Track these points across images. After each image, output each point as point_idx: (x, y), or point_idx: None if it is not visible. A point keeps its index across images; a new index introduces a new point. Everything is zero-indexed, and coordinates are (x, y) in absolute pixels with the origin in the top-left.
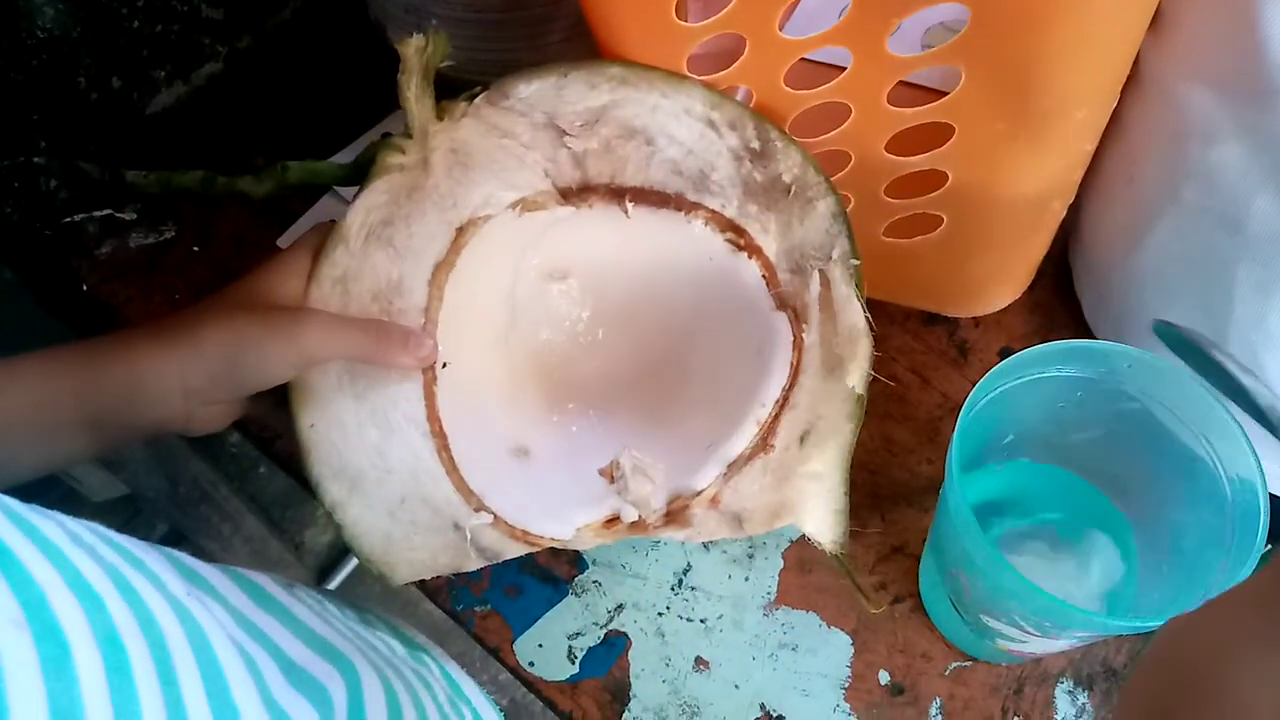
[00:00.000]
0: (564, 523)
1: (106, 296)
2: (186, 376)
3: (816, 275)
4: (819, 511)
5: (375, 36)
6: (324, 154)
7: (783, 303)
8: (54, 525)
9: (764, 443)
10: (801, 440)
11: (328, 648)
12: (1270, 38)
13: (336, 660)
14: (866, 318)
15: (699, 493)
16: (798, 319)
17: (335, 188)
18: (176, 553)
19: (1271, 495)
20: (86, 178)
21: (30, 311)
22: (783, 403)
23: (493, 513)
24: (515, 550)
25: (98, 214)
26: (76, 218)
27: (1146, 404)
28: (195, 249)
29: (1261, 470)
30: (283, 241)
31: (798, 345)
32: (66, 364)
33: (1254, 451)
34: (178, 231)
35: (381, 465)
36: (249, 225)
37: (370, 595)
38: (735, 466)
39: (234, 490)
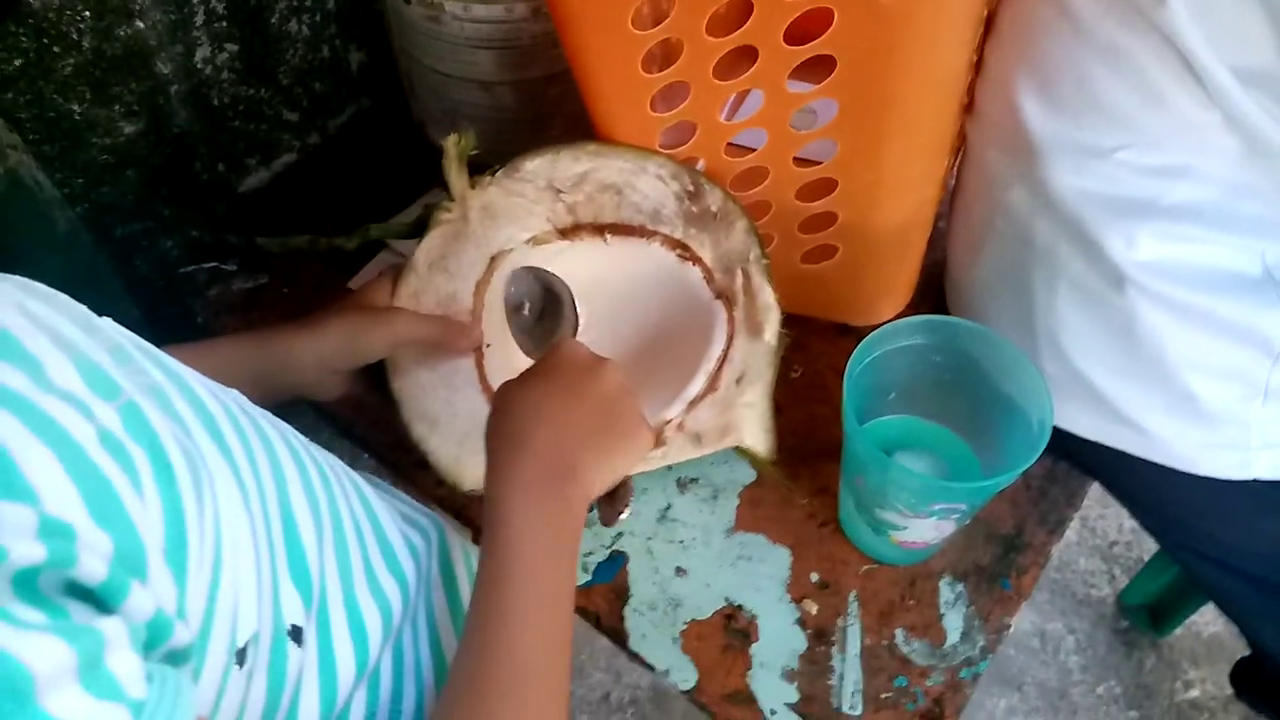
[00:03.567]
0: None
1: (217, 329)
2: (320, 350)
3: (739, 272)
4: (754, 428)
5: (417, 133)
6: (378, 221)
7: (719, 293)
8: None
9: (712, 385)
10: (738, 381)
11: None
12: (1028, 116)
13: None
14: (775, 296)
15: (669, 421)
16: (729, 303)
17: (388, 243)
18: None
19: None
20: (199, 241)
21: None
22: (723, 359)
23: None
24: None
25: (206, 266)
26: (189, 269)
27: (978, 361)
28: (285, 290)
29: (1051, 402)
30: (353, 283)
31: (730, 320)
32: (246, 341)
33: (1048, 392)
34: (270, 279)
35: (450, 411)
36: (325, 273)
37: None
38: (693, 403)
39: None
